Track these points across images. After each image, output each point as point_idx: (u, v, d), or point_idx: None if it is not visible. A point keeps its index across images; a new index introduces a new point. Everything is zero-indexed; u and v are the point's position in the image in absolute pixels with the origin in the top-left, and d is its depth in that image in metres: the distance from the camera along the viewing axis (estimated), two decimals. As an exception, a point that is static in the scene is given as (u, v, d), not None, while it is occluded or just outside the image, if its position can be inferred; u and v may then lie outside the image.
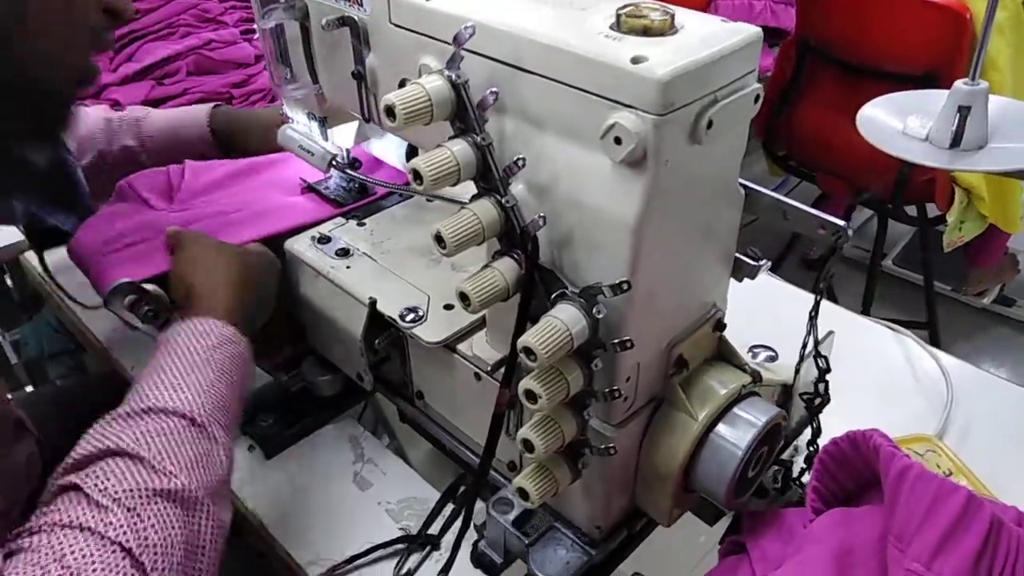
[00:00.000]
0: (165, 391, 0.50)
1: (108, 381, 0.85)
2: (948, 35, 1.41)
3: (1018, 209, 1.66)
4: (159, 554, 0.43)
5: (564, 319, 0.42)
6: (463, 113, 0.44)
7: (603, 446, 0.46)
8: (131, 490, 0.44)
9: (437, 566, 0.59)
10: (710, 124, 0.41)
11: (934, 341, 1.83)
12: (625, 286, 0.41)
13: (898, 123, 0.61)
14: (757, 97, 0.44)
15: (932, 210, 1.74)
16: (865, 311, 1.72)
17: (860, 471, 0.46)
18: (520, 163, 0.43)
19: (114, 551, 0.41)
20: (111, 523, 0.42)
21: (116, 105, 1.05)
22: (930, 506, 0.37)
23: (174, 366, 0.52)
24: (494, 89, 0.43)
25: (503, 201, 0.44)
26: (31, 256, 0.93)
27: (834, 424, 0.56)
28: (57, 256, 0.77)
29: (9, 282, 1.01)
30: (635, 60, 0.39)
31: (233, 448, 0.52)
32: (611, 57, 0.39)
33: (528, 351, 0.41)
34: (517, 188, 0.46)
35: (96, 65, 0.58)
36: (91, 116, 0.83)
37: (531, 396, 0.43)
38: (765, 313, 0.68)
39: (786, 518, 0.50)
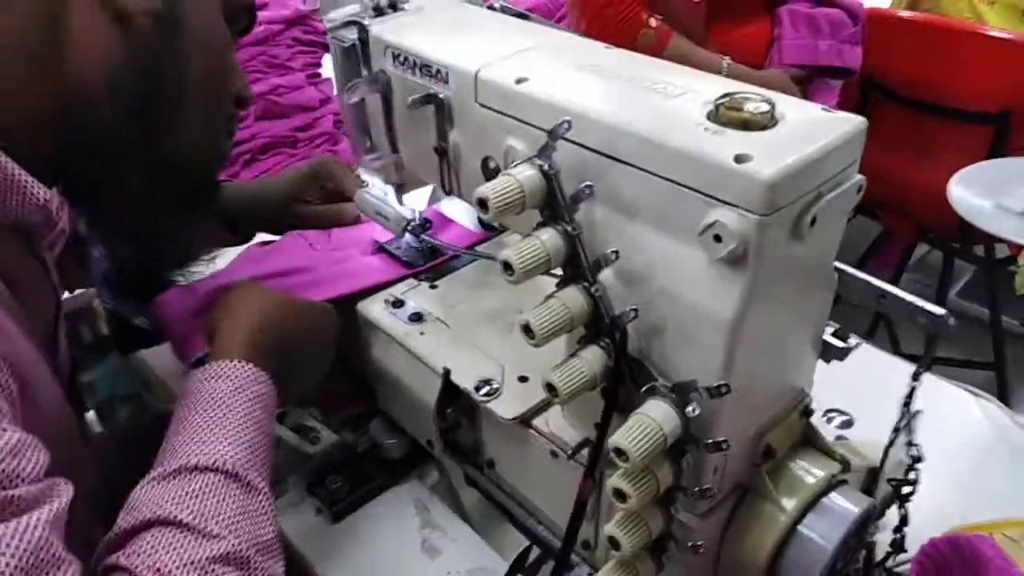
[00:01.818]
0: (194, 446, 0.48)
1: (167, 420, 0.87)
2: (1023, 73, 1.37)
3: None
4: None
5: (657, 418, 0.41)
6: (553, 202, 0.44)
7: (690, 543, 0.45)
8: (185, 563, 0.43)
9: (508, 641, 0.58)
10: (814, 220, 0.40)
11: (1001, 383, 1.76)
12: (724, 389, 0.40)
13: (988, 197, 0.58)
14: (859, 188, 0.43)
15: (1001, 249, 1.68)
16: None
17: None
18: (614, 256, 0.42)
19: None
20: None
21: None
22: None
23: (198, 416, 0.50)
24: (588, 183, 0.42)
25: (592, 290, 0.44)
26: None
27: (917, 500, 0.54)
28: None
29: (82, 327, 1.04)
30: (738, 159, 0.38)
31: (272, 496, 0.50)
32: (713, 154, 0.38)
33: (620, 452, 0.40)
34: (605, 275, 0.45)
35: (227, 149, 0.61)
36: None
37: (620, 495, 0.42)
38: (834, 370, 0.65)
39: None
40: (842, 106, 1.61)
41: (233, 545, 0.45)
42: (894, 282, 0.45)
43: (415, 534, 0.66)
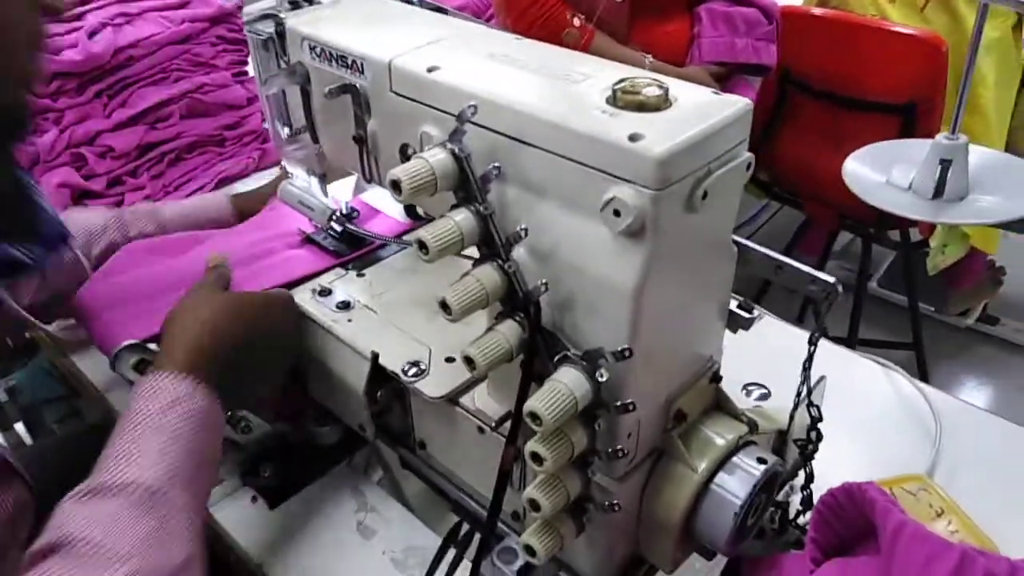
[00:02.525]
0: (115, 463, 0.49)
1: (105, 432, 0.86)
2: (927, 66, 1.45)
3: (998, 231, 1.71)
4: None
5: (568, 383, 0.43)
6: (466, 184, 0.46)
7: (607, 502, 0.47)
8: None
9: (443, 616, 0.60)
10: (705, 194, 0.43)
11: (920, 362, 1.87)
12: (627, 353, 0.42)
13: (881, 175, 0.63)
14: (748, 166, 0.46)
15: (914, 234, 1.78)
16: (852, 333, 1.75)
17: (857, 522, 0.47)
18: (523, 233, 0.45)
19: None
20: None
21: (110, 151, 1.06)
22: (924, 565, 0.38)
23: (126, 434, 0.50)
24: (496, 164, 0.44)
25: (505, 267, 0.46)
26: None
27: (825, 462, 0.58)
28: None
29: None
30: (632, 138, 0.40)
31: (207, 507, 0.51)
32: (610, 135, 0.41)
33: (534, 416, 0.42)
34: (519, 252, 0.47)
35: (39, 65, 0.56)
36: (95, 212, 0.82)
37: (537, 459, 0.44)
38: (754, 347, 0.69)
39: (785, 565, 0.52)
40: (762, 101, 1.69)
41: (136, 567, 0.44)
42: (819, 268, 0.48)
43: (350, 517, 0.67)
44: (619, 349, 0.42)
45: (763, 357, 0.68)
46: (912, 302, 1.83)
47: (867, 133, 1.34)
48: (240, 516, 0.67)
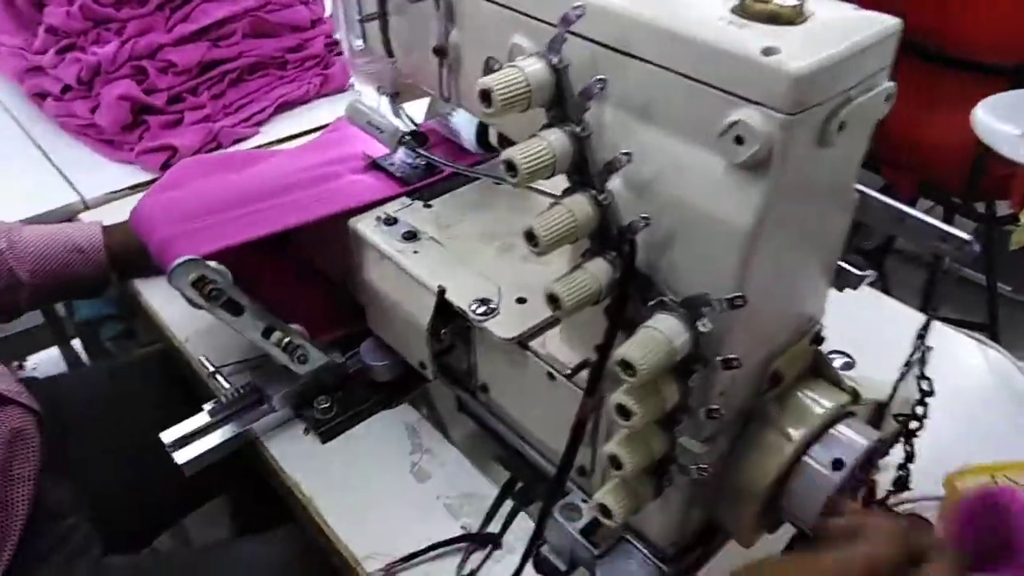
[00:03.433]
0: None
1: (154, 361, 0.85)
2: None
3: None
4: None
5: (666, 331, 0.39)
6: (562, 101, 0.41)
7: (694, 465, 0.43)
8: None
9: (498, 566, 0.57)
10: (842, 126, 0.37)
11: (994, 339, 1.76)
12: (740, 301, 0.37)
13: (1015, 127, 0.55)
14: (888, 96, 0.40)
15: (1001, 207, 1.66)
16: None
17: (993, 530, 0.42)
18: (624, 159, 0.39)
19: None
20: None
21: (172, 66, 1.03)
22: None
23: None
24: (601, 77, 0.39)
25: (600, 198, 0.41)
26: (85, 217, 0.92)
27: (920, 442, 0.52)
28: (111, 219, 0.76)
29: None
30: (766, 52, 0.35)
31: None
32: (738, 48, 0.35)
33: (626, 365, 0.38)
34: (614, 183, 0.42)
35: None
36: None
37: (624, 412, 0.40)
38: (834, 312, 0.63)
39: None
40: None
41: None
42: (893, 237, 0.42)
43: (405, 458, 0.64)
44: (730, 296, 0.37)
45: (844, 323, 0.62)
46: (990, 280, 1.71)
47: (969, 96, 1.23)
48: (292, 448, 0.65)
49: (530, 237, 0.40)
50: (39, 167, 1.00)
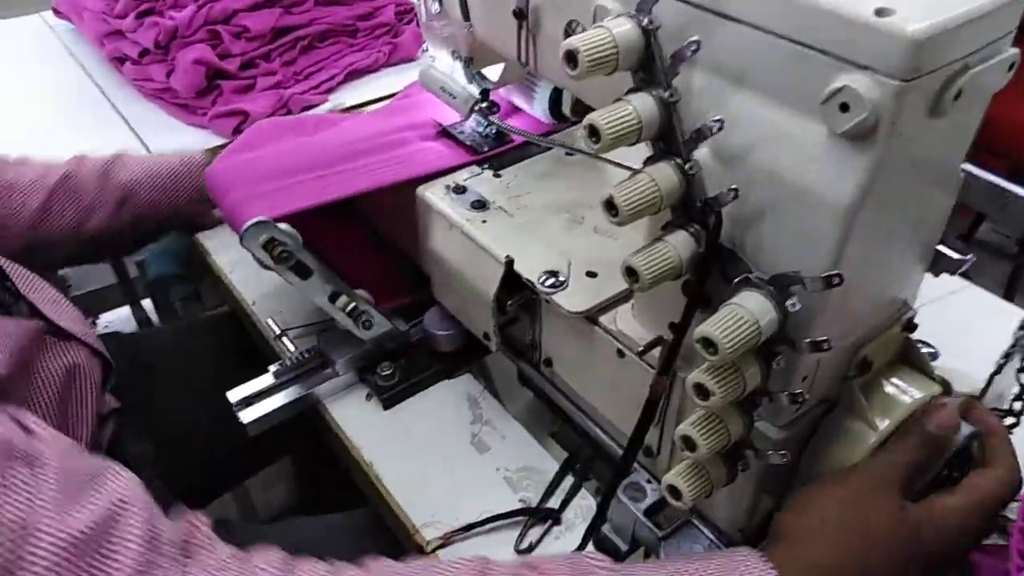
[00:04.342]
0: None
1: (221, 323, 0.86)
2: None
3: None
4: None
5: (752, 309, 0.37)
6: (650, 64, 0.39)
7: (772, 451, 0.41)
8: None
9: (557, 542, 0.56)
10: (958, 95, 0.34)
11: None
12: (836, 280, 0.35)
13: None
14: (1011, 65, 0.37)
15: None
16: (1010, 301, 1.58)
17: None
18: (715, 127, 0.37)
19: None
20: None
21: (245, 31, 1.03)
22: None
23: None
24: (695, 39, 0.37)
25: (686, 168, 0.39)
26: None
27: (1016, 439, 0.49)
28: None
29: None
30: (880, 12, 0.32)
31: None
32: (847, 7, 0.33)
33: (708, 343, 0.36)
34: (701, 152, 0.40)
35: None
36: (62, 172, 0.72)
37: (703, 392, 0.38)
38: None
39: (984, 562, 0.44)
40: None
41: None
42: (975, 226, 0.39)
43: (465, 428, 0.64)
44: (826, 275, 0.35)
45: (927, 310, 0.58)
46: (1081, 273, 1.62)
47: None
48: (354, 412, 0.65)
49: (609, 206, 0.39)
50: (116, 130, 1.02)
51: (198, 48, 1.00)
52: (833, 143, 0.35)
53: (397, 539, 0.59)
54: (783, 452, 0.40)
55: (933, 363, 0.58)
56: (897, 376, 0.45)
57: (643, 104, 0.38)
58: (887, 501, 0.41)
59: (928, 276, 0.46)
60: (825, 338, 0.37)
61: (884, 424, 0.43)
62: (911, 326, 0.46)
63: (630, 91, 0.39)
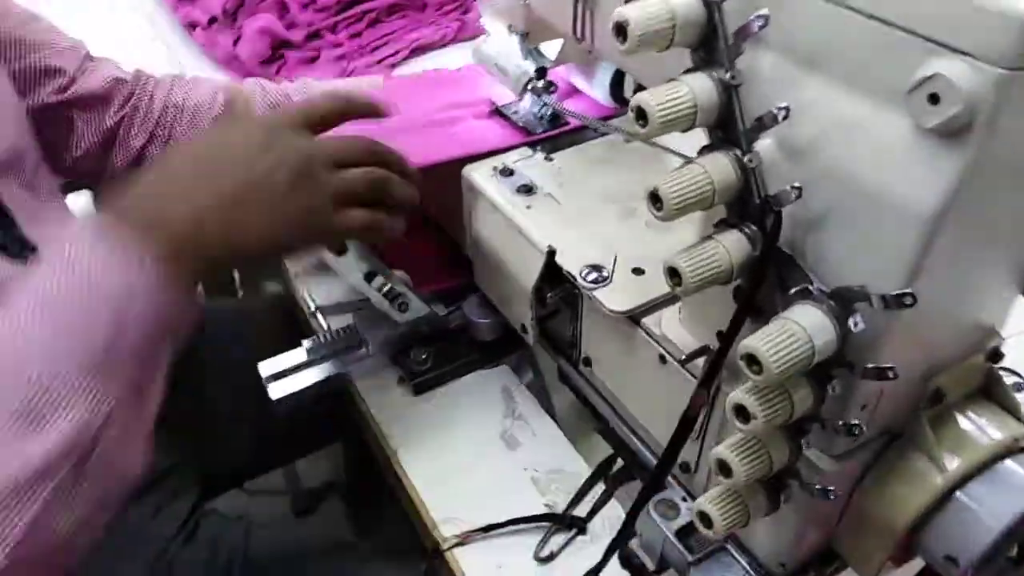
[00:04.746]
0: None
1: (277, 298, 0.85)
2: None
3: None
4: None
5: (806, 326, 0.32)
6: (711, 41, 0.34)
7: (820, 486, 0.37)
8: None
9: (580, 553, 0.53)
10: (1075, 89, 0.29)
11: None
12: (909, 300, 0.30)
13: None
14: None
15: None
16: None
17: None
18: (780, 114, 0.33)
19: None
20: None
21: (312, 2, 1.02)
22: None
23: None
24: (763, 12, 0.32)
25: (745, 160, 0.35)
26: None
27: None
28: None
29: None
30: (986, -13, 0.27)
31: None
32: (948, -20, 0.28)
33: (752, 360, 0.32)
34: (763, 143, 0.36)
35: None
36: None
37: (743, 414, 0.34)
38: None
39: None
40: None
41: None
42: None
43: (497, 422, 0.61)
44: (897, 293, 0.30)
45: (1016, 341, 0.52)
46: None
47: None
48: (384, 396, 0.63)
49: (654, 199, 0.35)
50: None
51: (264, 17, 1.00)
52: (918, 140, 0.30)
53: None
54: (831, 488, 0.36)
55: (1018, 394, 0.51)
56: (975, 411, 0.40)
57: (700, 85, 0.34)
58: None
59: (1021, 300, 0.41)
60: (891, 365, 0.32)
61: (954, 464, 0.38)
62: (997, 355, 0.40)
63: (687, 71, 0.35)
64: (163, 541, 0.63)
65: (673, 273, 0.36)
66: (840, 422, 0.35)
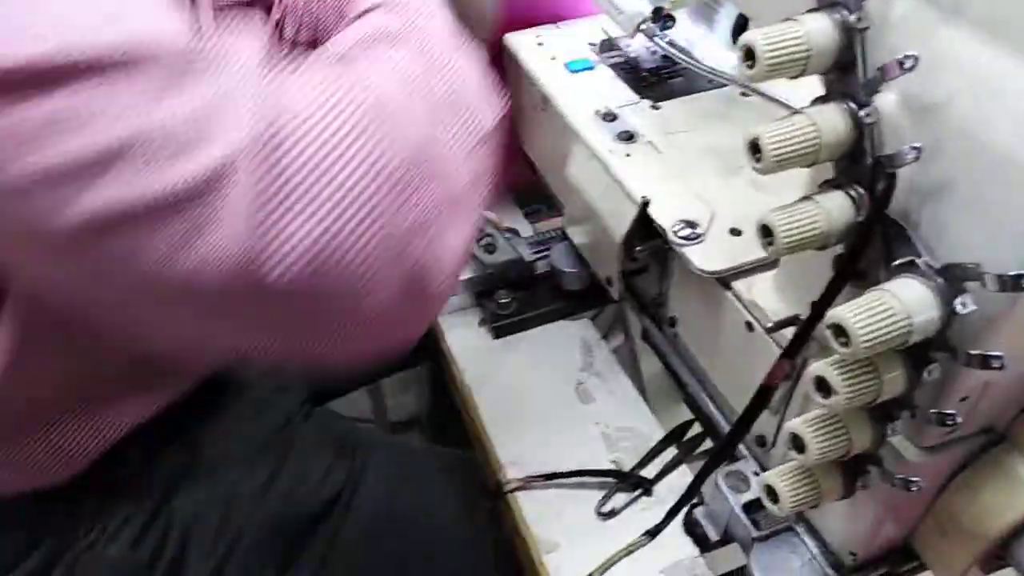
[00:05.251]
0: None
1: None
2: None
3: None
4: None
5: (905, 300, 0.29)
6: (837, -24, 0.31)
7: (902, 476, 0.34)
8: None
9: (642, 514, 0.52)
10: None
11: None
12: (1029, 282, 0.27)
13: None
14: None
15: None
16: None
17: None
18: (908, 63, 0.29)
19: None
20: None
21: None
22: None
23: None
24: (901, -55, 0.29)
25: (860, 114, 0.32)
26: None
27: None
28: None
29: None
30: None
31: None
32: None
33: (840, 331, 0.29)
34: (884, 97, 0.32)
35: None
36: None
37: (824, 388, 0.31)
38: None
39: None
40: None
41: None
42: None
43: (573, 374, 0.60)
44: (1016, 274, 0.27)
45: None
46: None
47: None
48: (464, 336, 0.64)
49: (754, 148, 0.32)
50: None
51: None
52: (1068, 102, 0.26)
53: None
54: (914, 479, 0.33)
55: None
56: (1098, 420, 0.36)
57: (819, 27, 0.31)
58: None
59: None
60: (999, 354, 0.29)
61: (1065, 475, 0.34)
62: None
63: (809, 11, 0.32)
64: (284, 415, 0.57)
65: (766, 231, 0.33)
66: (933, 411, 0.32)
